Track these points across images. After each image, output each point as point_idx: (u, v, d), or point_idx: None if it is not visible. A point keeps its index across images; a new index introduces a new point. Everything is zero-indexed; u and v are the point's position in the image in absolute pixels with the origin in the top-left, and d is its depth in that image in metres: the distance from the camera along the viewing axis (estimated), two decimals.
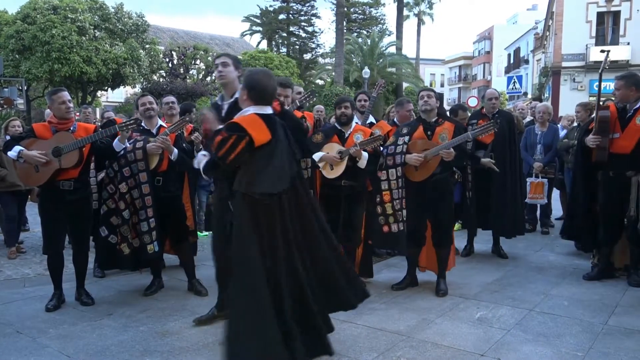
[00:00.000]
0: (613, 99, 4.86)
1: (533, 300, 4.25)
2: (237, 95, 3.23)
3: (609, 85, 4.87)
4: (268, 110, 2.99)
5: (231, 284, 2.80)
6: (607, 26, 22.63)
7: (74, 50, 20.25)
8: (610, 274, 4.75)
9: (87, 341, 3.46)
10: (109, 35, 22.18)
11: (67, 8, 20.58)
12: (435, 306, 4.10)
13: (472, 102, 18.96)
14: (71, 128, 4.05)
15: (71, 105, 4.06)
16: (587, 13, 22.49)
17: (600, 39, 22.58)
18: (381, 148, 4.41)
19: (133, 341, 3.46)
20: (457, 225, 6.26)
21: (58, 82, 20.36)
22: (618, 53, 21.76)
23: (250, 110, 2.95)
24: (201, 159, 3.08)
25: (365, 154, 4.27)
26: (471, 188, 5.55)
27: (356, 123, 4.67)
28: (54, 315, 3.95)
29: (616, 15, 22.34)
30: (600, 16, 22.56)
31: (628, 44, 21.73)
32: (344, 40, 26.77)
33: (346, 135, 4.45)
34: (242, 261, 2.74)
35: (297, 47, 40.02)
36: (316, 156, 4.30)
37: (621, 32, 22.17)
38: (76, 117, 4.50)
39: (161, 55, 25.77)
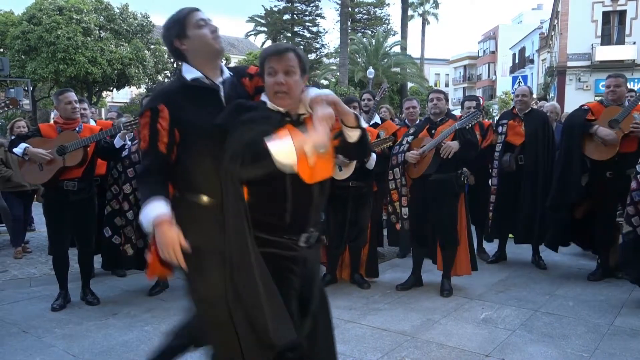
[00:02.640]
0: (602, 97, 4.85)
1: (538, 300, 4.24)
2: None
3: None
4: None
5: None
6: (613, 26, 22.53)
7: (80, 50, 20.37)
8: (613, 274, 4.72)
9: (93, 341, 3.47)
10: (114, 35, 22.29)
11: (73, 9, 20.70)
12: (440, 306, 4.09)
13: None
14: (77, 128, 4.07)
15: (77, 105, 4.09)
16: (593, 12, 22.40)
17: (605, 39, 22.49)
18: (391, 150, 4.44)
19: (138, 341, 3.48)
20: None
21: (63, 82, 20.49)
22: (624, 52, 21.69)
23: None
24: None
25: (373, 155, 4.28)
26: (495, 192, 5.26)
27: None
28: (59, 314, 3.96)
29: (622, 14, 22.24)
30: (606, 15, 22.47)
31: (634, 43, 21.62)
32: (349, 40, 26.77)
33: None
34: None
35: (302, 47, 40.05)
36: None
37: (627, 32, 22.06)
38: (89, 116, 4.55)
39: (166, 56, 25.85)
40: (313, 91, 2.00)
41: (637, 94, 4.52)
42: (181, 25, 2.07)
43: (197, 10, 2.11)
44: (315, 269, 2.19)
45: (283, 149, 1.84)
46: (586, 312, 3.94)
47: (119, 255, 4.35)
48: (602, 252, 4.77)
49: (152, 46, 24.03)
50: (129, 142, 4.27)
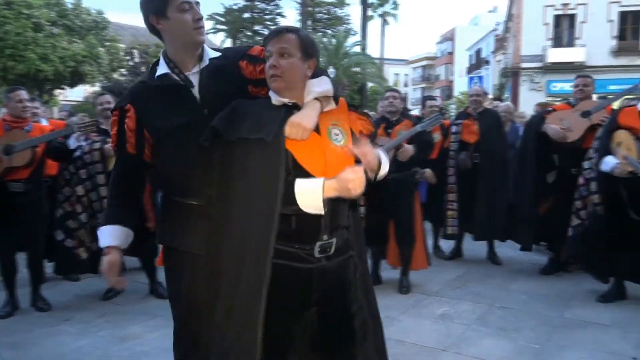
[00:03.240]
0: (570, 99, 5.03)
1: (493, 295, 4.35)
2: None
3: (565, 86, 5.02)
4: None
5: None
6: (564, 29, 23.35)
7: (30, 47, 19.62)
8: (564, 268, 4.89)
9: (43, 348, 3.35)
10: (67, 32, 21.58)
11: (22, 3, 19.93)
12: (398, 303, 4.14)
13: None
14: (26, 127, 3.93)
15: (28, 104, 3.95)
16: (545, 16, 23.15)
17: (557, 41, 23.28)
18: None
19: (92, 347, 3.37)
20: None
21: (12, 80, 19.68)
22: (574, 55, 22.52)
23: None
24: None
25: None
26: (453, 190, 5.33)
27: None
28: (6, 322, 3.80)
29: (572, 18, 23.06)
30: (557, 19, 23.26)
31: (583, 46, 22.48)
32: None
33: None
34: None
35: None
36: None
37: (577, 35, 22.91)
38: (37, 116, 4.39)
39: (122, 53, 25.25)
40: (321, 83, 1.79)
41: (617, 94, 4.72)
42: (161, 2, 1.80)
43: None
44: (345, 283, 1.82)
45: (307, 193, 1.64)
46: (538, 305, 4.07)
47: (72, 259, 4.21)
48: (558, 246, 4.92)
49: (107, 43, 23.40)
50: (84, 143, 4.15)
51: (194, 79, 1.88)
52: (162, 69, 1.89)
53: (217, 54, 1.95)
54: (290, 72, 1.72)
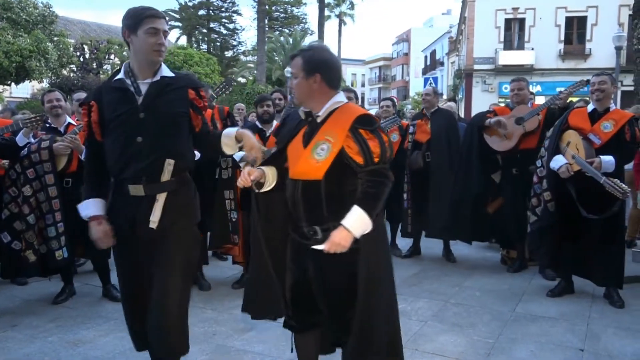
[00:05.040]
0: (508, 100, 5.26)
1: (448, 292, 4.45)
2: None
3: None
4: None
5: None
6: (514, 32, 24.13)
7: None
8: (526, 266, 5.07)
9: None
10: (12, 25, 20.61)
11: None
12: None
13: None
14: None
15: None
16: (496, 19, 23.86)
17: (507, 44, 24.04)
18: None
19: (41, 353, 3.24)
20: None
21: None
22: (523, 57, 23.31)
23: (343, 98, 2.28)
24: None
25: None
26: (410, 189, 5.44)
27: (276, 122, 4.65)
28: None
29: (522, 22, 23.86)
30: (508, 23, 24.01)
31: (532, 49, 23.29)
32: (266, 39, 26.69)
33: (267, 134, 4.43)
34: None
35: (218, 44, 39.34)
36: (237, 156, 4.23)
37: (526, 38, 23.72)
38: None
39: (71, 49, 24.34)
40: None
41: (553, 96, 4.90)
42: (135, 22, 2.25)
43: (157, 17, 2.27)
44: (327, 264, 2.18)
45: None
46: (491, 301, 4.20)
47: (19, 262, 4.02)
48: (518, 246, 5.05)
49: (55, 38, 22.50)
50: (33, 139, 3.98)
51: (143, 88, 2.32)
52: (120, 74, 2.36)
53: (172, 74, 2.39)
54: (297, 90, 2.22)
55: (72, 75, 23.78)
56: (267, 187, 2.31)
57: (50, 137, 3.97)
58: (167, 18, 2.38)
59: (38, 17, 21.58)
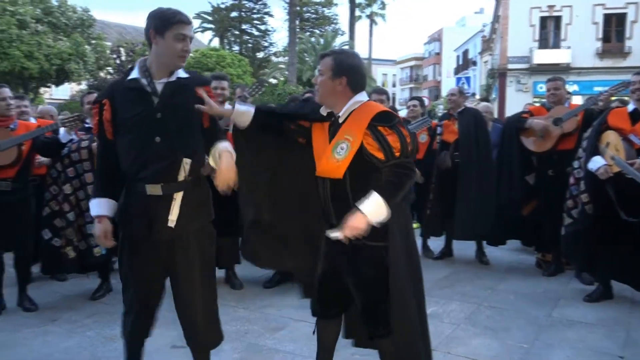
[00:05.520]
0: (545, 100, 5.11)
1: (481, 295, 4.38)
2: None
3: (545, 87, 5.08)
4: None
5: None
6: (550, 30, 23.60)
7: (14, 44, 19.34)
8: (562, 269, 4.95)
9: (30, 349, 3.31)
10: (52, 29, 21.32)
11: (7, 0, 19.63)
12: None
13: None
14: (11, 126, 3.88)
15: (12, 102, 3.90)
16: (531, 17, 23.38)
17: (543, 43, 23.53)
18: None
19: (79, 347, 3.34)
20: (415, 224, 6.32)
21: None
22: (560, 56, 22.79)
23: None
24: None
25: None
26: (434, 190, 5.38)
27: None
28: None
29: (558, 20, 23.33)
30: (543, 21, 23.51)
31: (569, 47, 22.73)
32: (297, 40, 26.81)
33: None
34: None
35: (250, 45, 39.71)
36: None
37: (562, 37, 23.17)
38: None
39: (108, 51, 24.99)
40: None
41: (592, 97, 4.78)
42: (164, 24, 2.24)
43: (187, 24, 2.27)
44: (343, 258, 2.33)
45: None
46: (526, 305, 4.11)
47: (59, 258, 4.16)
48: (554, 249, 4.92)
49: (93, 41, 23.14)
50: (75, 137, 4.11)
51: (159, 88, 2.30)
52: (135, 74, 2.33)
53: (186, 75, 2.39)
54: (321, 88, 2.30)
55: (109, 77, 24.40)
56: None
57: (89, 136, 4.08)
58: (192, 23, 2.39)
59: (77, 21, 22.26)
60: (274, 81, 30.13)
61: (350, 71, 2.26)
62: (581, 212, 4.08)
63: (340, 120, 2.28)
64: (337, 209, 2.24)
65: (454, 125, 5.35)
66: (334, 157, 2.21)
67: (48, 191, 4.11)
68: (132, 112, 2.27)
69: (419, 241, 5.68)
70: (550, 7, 23.03)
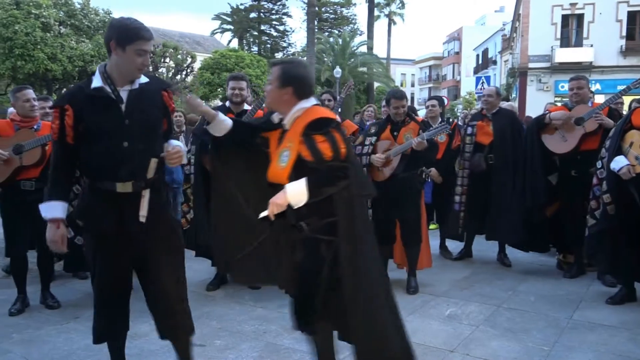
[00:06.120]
0: (567, 99, 5.03)
1: (501, 296, 4.34)
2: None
3: (566, 86, 4.99)
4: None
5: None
6: (572, 28, 23.23)
7: (38, 46, 19.76)
8: (584, 271, 4.88)
9: (53, 345, 3.37)
10: (75, 31, 21.71)
11: (31, 3, 20.07)
12: (406, 304, 4.13)
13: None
14: (35, 126, 3.96)
15: (36, 103, 3.99)
16: (553, 15, 23.05)
17: (564, 41, 23.17)
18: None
19: (101, 344, 3.38)
20: (433, 225, 6.28)
21: (21, 79, 19.83)
22: (582, 55, 22.41)
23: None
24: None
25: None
26: (466, 192, 5.27)
27: None
28: (17, 319, 3.84)
29: (580, 18, 22.95)
30: (565, 19, 23.15)
31: (591, 46, 22.35)
32: (315, 40, 26.82)
33: None
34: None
35: (269, 45, 39.90)
36: None
37: (584, 35, 22.79)
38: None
39: None
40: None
41: (614, 95, 4.69)
42: (126, 39, 2.31)
43: (148, 40, 2.35)
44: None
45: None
46: (547, 307, 4.06)
47: (81, 256, 4.22)
48: (576, 250, 4.86)
49: None
50: None
51: (124, 95, 2.40)
52: (98, 81, 2.39)
53: (147, 79, 2.49)
54: (269, 96, 2.44)
55: None
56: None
57: None
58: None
59: (99, 23, 22.61)
60: None
61: (297, 80, 2.37)
62: (603, 212, 4.01)
63: (287, 128, 2.40)
64: (292, 211, 2.32)
65: (488, 126, 5.22)
66: (279, 165, 2.34)
67: (71, 190, 4.18)
68: (100, 120, 2.36)
69: (436, 242, 5.68)
70: (573, 5, 22.67)
